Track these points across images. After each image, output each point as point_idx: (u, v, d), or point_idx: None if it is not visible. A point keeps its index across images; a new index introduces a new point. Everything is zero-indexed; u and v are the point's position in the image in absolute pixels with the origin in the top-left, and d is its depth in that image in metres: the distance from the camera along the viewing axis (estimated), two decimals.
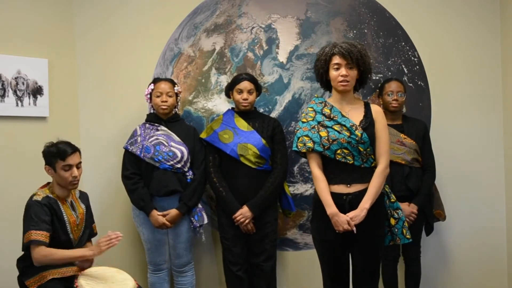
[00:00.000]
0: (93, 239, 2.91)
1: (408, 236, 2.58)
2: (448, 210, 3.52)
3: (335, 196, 2.49)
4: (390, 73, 3.13)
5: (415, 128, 3.17)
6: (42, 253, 2.50)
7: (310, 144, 2.50)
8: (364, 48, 2.57)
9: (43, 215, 2.54)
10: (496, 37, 3.90)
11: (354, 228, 2.42)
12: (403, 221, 2.58)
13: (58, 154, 2.60)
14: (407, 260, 3.34)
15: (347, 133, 2.47)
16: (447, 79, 3.89)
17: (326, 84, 2.62)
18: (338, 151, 2.48)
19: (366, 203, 2.44)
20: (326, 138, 2.48)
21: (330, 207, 2.46)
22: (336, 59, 2.50)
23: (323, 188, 2.50)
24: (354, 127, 2.48)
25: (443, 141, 3.77)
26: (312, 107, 2.59)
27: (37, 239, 2.49)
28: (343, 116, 2.52)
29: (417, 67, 3.31)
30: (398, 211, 2.58)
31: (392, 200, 2.58)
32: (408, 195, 3.12)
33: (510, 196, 3.82)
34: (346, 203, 2.46)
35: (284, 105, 2.98)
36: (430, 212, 3.28)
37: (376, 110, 2.59)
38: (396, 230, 2.57)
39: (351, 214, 2.44)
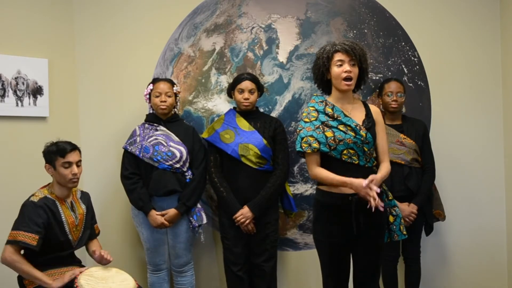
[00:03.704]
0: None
1: (404, 232, 2.60)
2: (448, 210, 3.53)
3: (340, 197, 2.47)
4: (390, 73, 3.13)
5: (415, 128, 3.17)
6: (14, 257, 2.49)
7: (315, 145, 2.47)
8: (364, 48, 2.57)
9: (36, 217, 2.53)
10: (496, 37, 3.90)
11: (375, 191, 2.36)
12: (400, 217, 2.60)
13: (57, 151, 2.61)
14: (407, 260, 3.34)
15: (353, 133, 2.46)
16: (447, 79, 3.89)
17: (325, 85, 2.60)
18: (344, 152, 2.47)
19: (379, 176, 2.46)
20: (332, 138, 2.46)
21: (344, 180, 2.42)
22: (339, 56, 2.48)
23: (328, 174, 2.46)
24: (358, 127, 2.47)
25: (443, 141, 3.77)
26: (313, 106, 2.55)
27: (24, 241, 2.49)
28: (345, 115, 2.51)
29: (417, 67, 3.31)
30: (395, 209, 2.60)
31: (390, 198, 2.59)
32: (407, 195, 3.13)
33: (510, 196, 3.82)
34: (352, 204, 2.45)
35: (284, 105, 2.98)
36: (430, 212, 3.28)
37: (376, 111, 2.59)
38: (394, 227, 2.58)
39: (370, 177, 2.40)
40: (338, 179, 2.44)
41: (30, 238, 2.50)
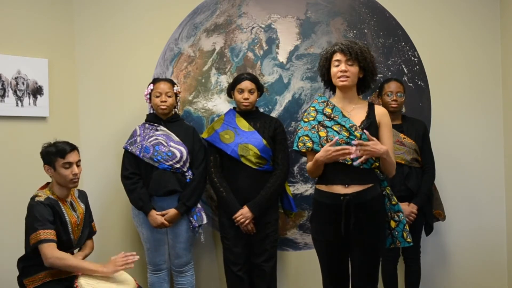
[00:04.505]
0: (94, 238, 2.90)
1: (408, 240, 2.56)
2: (448, 210, 3.53)
3: (332, 196, 2.48)
4: (390, 73, 3.13)
5: (415, 128, 3.17)
6: (56, 255, 2.48)
7: (309, 144, 2.50)
8: (366, 46, 2.57)
9: (47, 215, 2.53)
10: (496, 37, 3.90)
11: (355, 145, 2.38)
12: (404, 224, 2.56)
13: (57, 152, 2.61)
14: (407, 260, 3.34)
15: (346, 134, 2.46)
16: (447, 79, 3.89)
17: (330, 84, 2.63)
18: None
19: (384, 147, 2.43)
20: (325, 138, 2.48)
21: (315, 159, 2.46)
22: (337, 56, 2.51)
23: (313, 162, 2.49)
24: (353, 128, 2.47)
25: (443, 141, 3.77)
26: (314, 107, 2.59)
27: (47, 238, 2.48)
28: (344, 116, 2.51)
29: (417, 67, 3.31)
30: (399, 214, 2.56)
31: (394, 202, 2.57)
32: (407, 195, 3.13)
33: (510, 196, 3.82)
34: (343, 204, 2.45)
35: (284, 105, 2.98)
36: (430, 212, 3.28)
37: (381, 112, 2.57)
38: (396, 233, 2.56)
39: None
40: (318, 154, 2.45)
41: (51, 235, 2.50)
